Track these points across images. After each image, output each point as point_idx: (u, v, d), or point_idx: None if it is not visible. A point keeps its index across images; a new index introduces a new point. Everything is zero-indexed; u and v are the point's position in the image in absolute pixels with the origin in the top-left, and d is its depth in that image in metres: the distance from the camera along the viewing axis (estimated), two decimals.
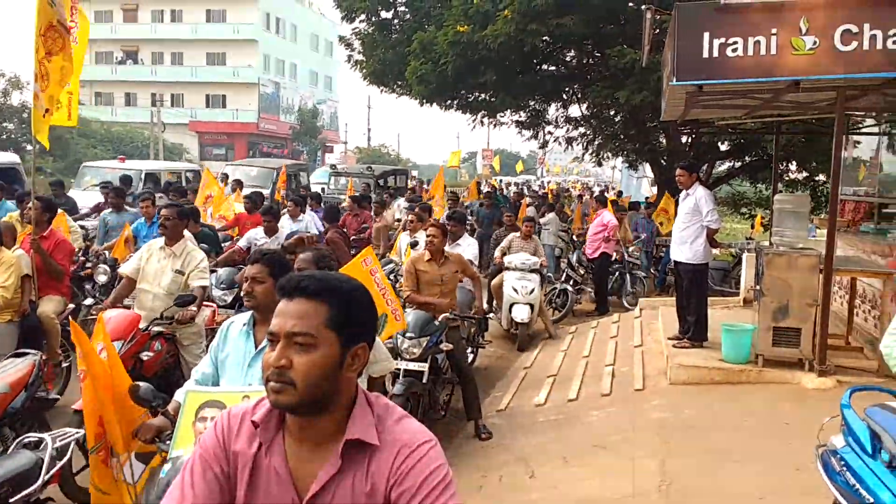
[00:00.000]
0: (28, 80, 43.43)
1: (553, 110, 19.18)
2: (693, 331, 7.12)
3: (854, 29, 5.80)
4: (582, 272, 11.93)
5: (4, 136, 37.60)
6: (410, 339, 5.59)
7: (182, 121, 51.43)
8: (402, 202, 15.66)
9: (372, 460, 1.55)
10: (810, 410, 5.22)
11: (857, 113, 8.57)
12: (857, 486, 2.83)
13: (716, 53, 5.98)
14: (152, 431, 3.19)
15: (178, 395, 3.27)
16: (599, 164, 23.17)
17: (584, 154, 21.18)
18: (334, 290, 1.57)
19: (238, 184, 15.88)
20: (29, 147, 35.10)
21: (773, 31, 5.89)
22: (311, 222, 9.93)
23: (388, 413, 1.63)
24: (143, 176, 17.10)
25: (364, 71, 18.54)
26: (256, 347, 3.25)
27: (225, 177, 17.92)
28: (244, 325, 3.34)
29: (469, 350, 7.79)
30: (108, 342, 3.84)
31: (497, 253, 10.25)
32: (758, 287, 6.48)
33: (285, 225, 9.36)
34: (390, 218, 13.63)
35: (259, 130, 54.23)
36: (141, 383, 3.31)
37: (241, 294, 3.42)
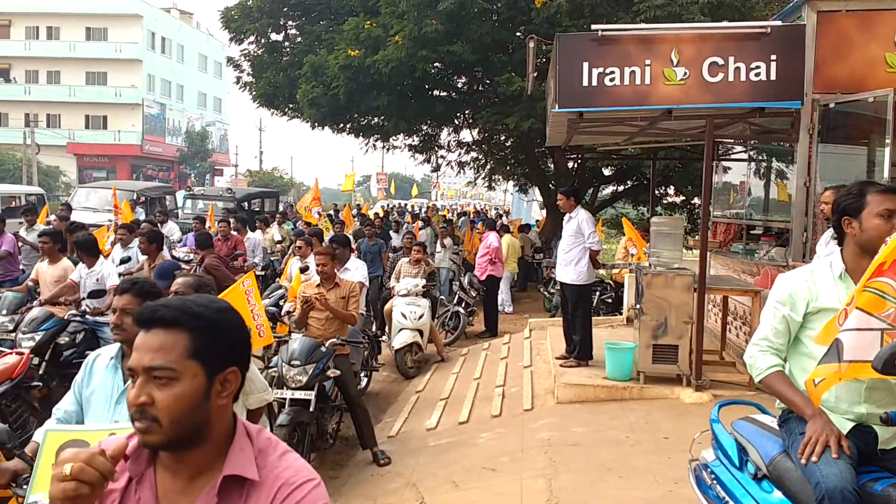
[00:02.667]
0: None
1: (445, 134, 19.47)
2: (579, 350, 7.30)
3: (720, 61, 6.20)
4: (473, 294, 12.05)
5: None
6: (296, 366, 5.44)
7: (59, 143, 48.78)
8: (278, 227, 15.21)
9: (250, 496, 1.48)
10: (687, 425, 5.43)
11: (726, 140, 9.10)
12: (727, 498, 2.93)
13: (595, 82, 6.24)
14: (7, 475, 2.94)
15: (38, 434, 3.04)
16: (491, 188, 23.66)
17: (476, 178, 21.57)
18: (194, 316, 1.48)
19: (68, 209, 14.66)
20: None
21: (647, 62, 6.22)
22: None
23: (271, 447, 1.55)
24: None
25: (254, 93, 18.23)
26: (125, 382, 3.06)
27: (68, 207, 16.07)
28: (111, 358, 3.14)
29: (363, 374, 7.69)
30: None
31: (392, 281, 10.22)
32: (638, 306, 6.72)
33: (115, 254, 8.56)
34: (269, 241, 13.54)
35: (143, 153, 52.10)
36: None
37: (110, 326, 3.21)
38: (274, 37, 17.51)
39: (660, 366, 6.49)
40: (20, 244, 10.11)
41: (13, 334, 6.43)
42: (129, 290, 3.17)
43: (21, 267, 9.59)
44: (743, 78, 6.21)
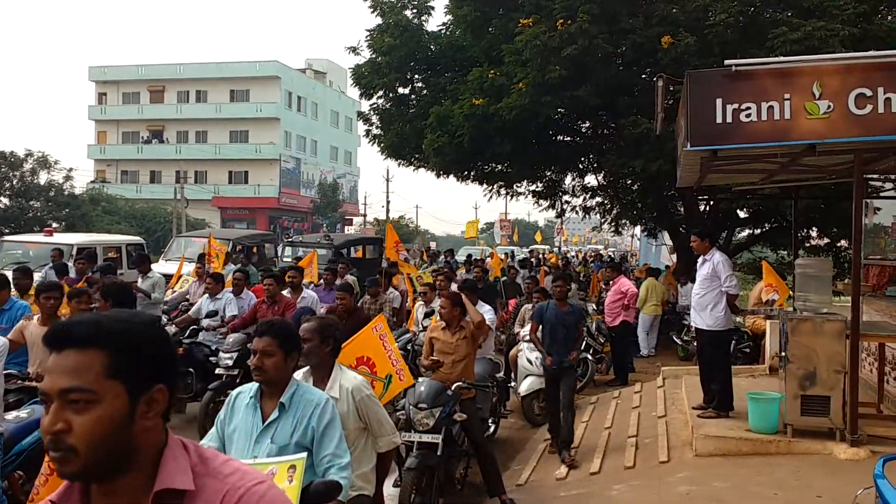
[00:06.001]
0: (55, 159, 44.80)
1: (569, 180, 19.29)
2: (718, 400, 6.91)
3: (868, 93, 5.80)
4: (602, 340, 11.73)
5: (31, 214, 38.42)
6: (423, 409, 5.44)
7: (205, 197, 52.51)
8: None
9: None
10: (843, 482, 4.99)
11: (875, 176, 8.50)
12: None
13: (729, 119, 5.99)
14: None
15: None
16: (618, 233, 23.17)
17: (602, 223, 21.20)
18: (112, 332, 1.36)
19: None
20: (55, 224, 35.83)
21: (787, 96, 5.91)
22: (231, 301, 8.91)
23: (214, 456, 1.45)
24: (73, 251, 14.26)
25: (382, 145, 18.82)
26: (264, 422, 3.17)
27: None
28: (251, 397, 3.26)
29: (491, 420, 7.61)
30: None
31: (517, 327, 10.14)
32: (783, 354, 6.29)
33: (203, 305, 8.95)
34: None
35: (280, 205, 55.12)
36: None
37: (251, 368, 3.29)
38: (401, 90, 18.09)
39: (809, 418, 6.03)
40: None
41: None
42: (267, 331, 3.23)
43: None
44: (894, 109, 5.78)
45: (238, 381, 7.34)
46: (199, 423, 7.33)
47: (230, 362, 7.81)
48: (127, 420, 1.35)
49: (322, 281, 11.11)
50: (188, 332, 8.90)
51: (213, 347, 8.50)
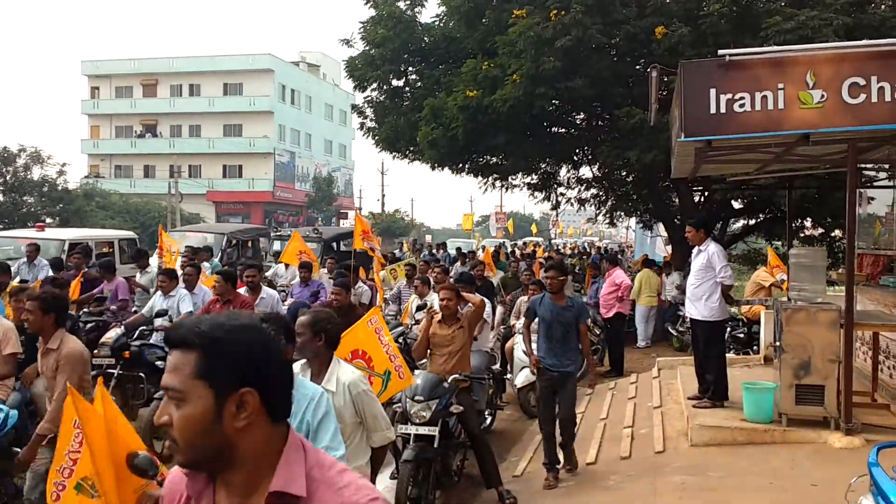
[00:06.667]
0: (49, 154, 44.61)
1: (564, 172, 19.26)
2: (713, 390, 6.93)
3: (861, 82, 5.80)
4: (598, 332, 11.75)
5: (25, 210, 38.29)
6: (419, 402, 5.45)
7: (199, 191, 52.42)
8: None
9: None
10: (838, 470, 5.00)
11: (869, 166, 8.52)
12: None
13: (723, 109, 5.98)
14: (152, 501, 3.08)
15: None
16: (613, 225, 23.16)
17: (597, 215, 21.20)
18: (200, 335, 1.42)
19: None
20: (49, 220, 35.71)
21: (780, 85, 5.90)
22: (184, 298, 8.23)
23: (329, 462, 1.48)
24: (66, 247, 13.83)
25: (376, 137, 18.78)
26: None
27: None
28: None
29: (487, 412, 7.62)
30: (109, 405, 3.71)
31: (513, 319, 10.13)
32: (777, 343, 6.31)
33: (155, 303, 8.30)
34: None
35: (275, 199, 55.05)
36: (139, 452, 3.20)
37: None
38: (395, 83, 18.03)
39: (804, 407, 6.05)
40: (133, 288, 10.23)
41: None
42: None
43: (133, 308, 9.56)
44: (888, 98, 5.77)
45: None
46: (142, 434, 6.68)
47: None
48: (214, 420, 1.41)
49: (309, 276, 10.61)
50: (137, 333, 8.04)
51: (167, 349, 7.77)
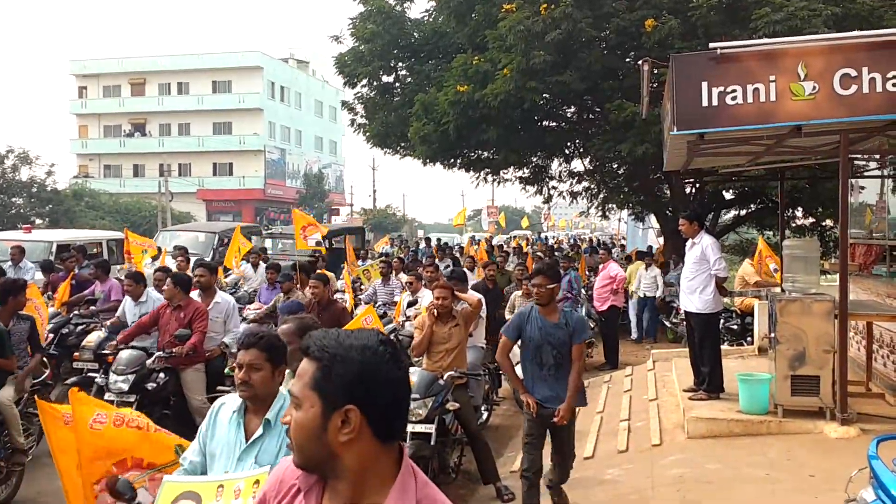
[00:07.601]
0: (37, 154, 44.32)
1: (556, 165, 19.30)
2: (709, 382, 6.95)
3: (853, 73, 5.81)
4: (592, 325, 11.77)
5: (13, 211, 38.06)
6: (415, 399, 5.44)
7: (190, 189, 52.14)
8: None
9: None
10: (836, 461, 5.03)
11: (860, 156, 8.54)
12: None
13: (715, 102, 5.99)
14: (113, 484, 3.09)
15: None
16: (605, 217, 23.20)
17: (589, 208, 21.23)
18: (321, 349, 1.51)
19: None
20: (38, 221, 35.50)
21: (772, 77, 5.91)
22: (158, 302, 7.43)
23: (444, 501, 1.54)
24: (53, 248, 13.62)
25: (367, 134, 18.76)
26: (248, 440, 2.93)
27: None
28: (234, 412, 2.99)
29: (483, 408, 7.62)
30: (80, 417, 3.43)
31: (507, 314, 10.12)
32: (772, 335, 6.33)
33: (127, 308, 7.87)
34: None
35: (266, 196, 54.81)
36: (119, 476, 3.18)
37: (237, 383, 3.00)
38: (385, 79, 18.00)
39: (799, 398, 6.07)
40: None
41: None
42: (254, 344, 2.96)
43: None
44: (879, 89, 5.79)
45: (134, 407, 5.80)
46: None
47: (125, 387, 6.28)
48: (319, 429, 1.48)
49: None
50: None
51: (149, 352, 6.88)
